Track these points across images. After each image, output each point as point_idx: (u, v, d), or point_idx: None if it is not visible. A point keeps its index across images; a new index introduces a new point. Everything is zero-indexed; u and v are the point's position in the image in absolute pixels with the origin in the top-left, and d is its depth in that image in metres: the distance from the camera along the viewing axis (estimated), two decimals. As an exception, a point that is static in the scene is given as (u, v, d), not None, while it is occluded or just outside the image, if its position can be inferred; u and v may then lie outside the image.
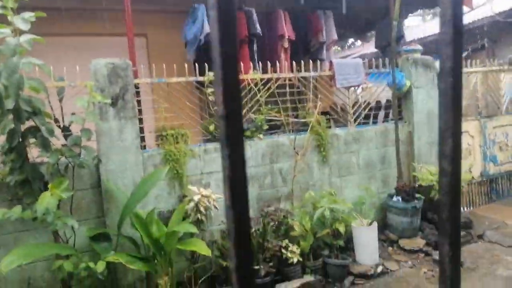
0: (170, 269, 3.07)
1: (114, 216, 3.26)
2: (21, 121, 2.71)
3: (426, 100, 4.81)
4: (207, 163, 3.80)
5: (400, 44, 5.49)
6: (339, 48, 11.63)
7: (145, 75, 3.90)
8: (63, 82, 3.32)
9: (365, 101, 4.74)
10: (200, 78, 3.89)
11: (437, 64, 5.04)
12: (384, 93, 4.97)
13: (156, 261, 3.04)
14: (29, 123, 2.85)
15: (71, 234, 3.03)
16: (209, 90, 3.82)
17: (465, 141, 5.37)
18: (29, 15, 2.43)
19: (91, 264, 2.85)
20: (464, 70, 5.36)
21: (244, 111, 4.08)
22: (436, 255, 4.10)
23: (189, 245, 2.96)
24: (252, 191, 3.98)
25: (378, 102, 4.99)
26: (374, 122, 4.93)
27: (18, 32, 2.62)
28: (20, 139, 2.82)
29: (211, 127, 3.90)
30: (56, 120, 3.34)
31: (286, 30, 5.23)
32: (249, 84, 4.08)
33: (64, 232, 3.04)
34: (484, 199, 5.61)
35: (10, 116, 2.69)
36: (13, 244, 3.07)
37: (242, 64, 4.23)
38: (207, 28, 4.77)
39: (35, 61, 2.52)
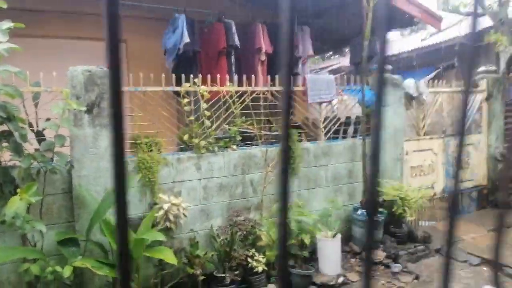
0: (136, 275, 3.15)
1: (84, 221, 3.31)
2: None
3: (392, 118, 5.06)
4: (179, 171, 3.89)
5: (372, 63, 5.74)
6: (318, 57, 11.89)
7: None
8: (39, 88, 3.36)
9: (335, 116, 4.95)
10: (177, 88, 4.00)
11: (405, 83, 5.32)
12: (355, 109, 5.20)
13: (123, 267, 3.11)
14: (2, 128, 2.89)
15: (40, 238, 3.08)
16: (185, 100, 3.94)
17: (429, 158, 5.67)
18: (7, 25, 2.49)
19: (58, 268, 2.90)
20: (431, 90, 5.67)
21: (219, 121, 4.20)
22: (394, 267, 4.32)
23: (156, 253, 3.05)
24: (223, 200, 4.11)
25: (348, 118, 5.22)
26: (344, 137, 5.14)
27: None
28: (-8, 143, 2.86)
29: (185, 137, 4.00)
30: (30, 125, 3.38)
31: (264, 43, 5.40)
32: (224, 96, 4.21)
33: (32, 235, 3.08)
34: (445, 215, 5.91)
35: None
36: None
37: (219, 75, 4.35)
38: (186, 38, 4.88)
39: (12, 69, 2.57)
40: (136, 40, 5.89)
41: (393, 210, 4.70)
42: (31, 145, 3.11)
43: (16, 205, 2.51)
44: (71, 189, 3.38)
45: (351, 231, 4.75)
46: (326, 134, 4.85)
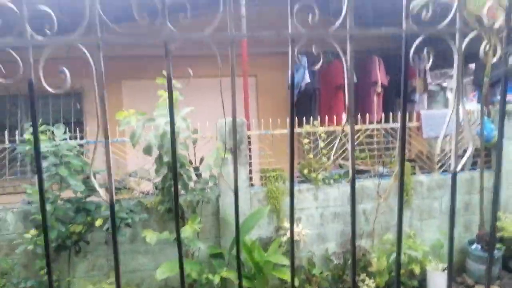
0: (266, 287, 3.98)
1: (227, 239, 4.29)
2: (172, 171, 3.87)
3: (517, 152, 4.90)
4: (300, 200, 4.61)
5: (494, 91, 5.53)
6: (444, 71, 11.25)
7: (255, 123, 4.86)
8: (197, 134, 4.45)
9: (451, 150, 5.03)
10: (298, 130, 4.70)
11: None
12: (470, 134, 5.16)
13: (255, 280, 3.98)
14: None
15: (197, 251, 4.16)
16: (305, 140, 4.63)
17: None
18: (186, 111, 3.55)
19: (210, 276, 3.90)
20: None
21: (335, 157, 4.78)
22: (512, 306, 4.30)
23: (281, 273, 3.83)
24: (337, 227, 4.68)
25: (465, 151, 5.19)
26: (461, 170, 5.17)
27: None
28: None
29: (305, 171, 4.70)
30: (190, 162, 4.50)
31: (380, 76, 5.72)
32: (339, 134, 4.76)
33: (192, 249, 4.17)
34: None
35: (165, 167, 3.88)
36: (157, 251, 4.30)
37: (336, 110, 4.90)
38: (307, 79, 5.55)
39: (188, 135, 3.63)
40: (265, 74, 6.81)
41: (514, 247, 4.62)
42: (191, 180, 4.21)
43: (187, 231, 3.55)
44: (218, 212, 4.39)
45: (464, 263, 4.82)
46: (441, 167, 4.98)
